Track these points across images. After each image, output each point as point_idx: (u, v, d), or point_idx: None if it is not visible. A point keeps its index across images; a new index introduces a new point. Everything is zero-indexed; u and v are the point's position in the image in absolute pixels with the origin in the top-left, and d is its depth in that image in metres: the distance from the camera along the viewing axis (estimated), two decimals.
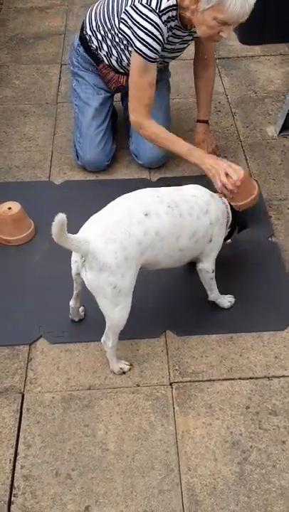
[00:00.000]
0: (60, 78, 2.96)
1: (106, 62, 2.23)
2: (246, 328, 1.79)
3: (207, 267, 1.73)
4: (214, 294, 1.81)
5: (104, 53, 2.20)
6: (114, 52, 2.16)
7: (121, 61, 2.17)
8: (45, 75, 3.01)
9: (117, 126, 2.50)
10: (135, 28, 1.92)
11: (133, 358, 1.72)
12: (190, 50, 3.24)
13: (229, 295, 1.85)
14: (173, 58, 2.24)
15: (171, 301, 1.88)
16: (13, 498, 1.42)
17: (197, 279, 1.94)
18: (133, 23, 1.92)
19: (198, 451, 1.50)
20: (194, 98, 2.83)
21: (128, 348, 1.74)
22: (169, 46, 2.06)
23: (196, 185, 1.73)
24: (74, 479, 1.45)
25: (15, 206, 2.05)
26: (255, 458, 1.48)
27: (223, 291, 1.85)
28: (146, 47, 1.94)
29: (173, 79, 2.94)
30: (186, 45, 2.18)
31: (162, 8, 1.88)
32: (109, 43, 2.15)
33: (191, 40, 2.14)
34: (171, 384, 1.65)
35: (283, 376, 1.66)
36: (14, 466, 1.48)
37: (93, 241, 1.47)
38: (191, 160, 1.97)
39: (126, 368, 1.68)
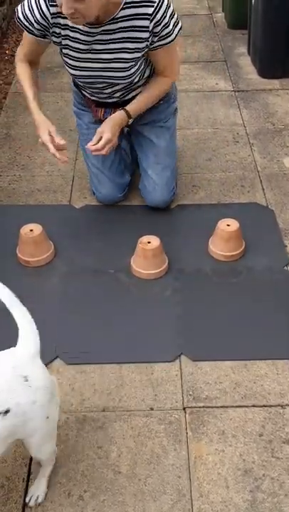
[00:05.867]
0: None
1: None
2: (260, 356, 1.80)
3: None
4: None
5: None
6: None
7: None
8: (69, 103, 3.08)
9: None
10: None
11: (147, 381, 1.73)
12: (204, 81, 3.30)
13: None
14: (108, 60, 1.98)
15: (187, 325, 1.90)
16: None
17: (214, 305, 1.97)
18: None
19: (210, 477, 1.50)
20: (213, 128, 2.91)
21: (143, 371, 1.76)
22: (65, 32, 1.95)
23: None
24: (86, 501, 1.46)
25: (36, 228, 2.10)
26: (268, 486, 1.48)
27: (238, 320, 1.86)
28: (21, 9, 1.95)
29: (192, 109, 3.03)
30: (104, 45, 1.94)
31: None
32: None
33: (95, 34, 1.92)
34: (184, 409, 1.66)
35: None
36: (27, 485, 1.49)
37: None
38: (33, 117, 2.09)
39: None
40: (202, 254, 2.16)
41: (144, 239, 2.05)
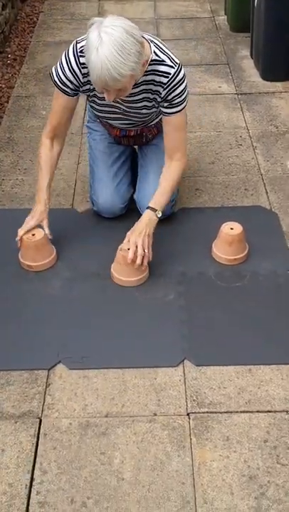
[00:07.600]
0: (85, 109, 3.05)
1: None
2: (265, 361, 1.78)
3: None
4: None
5: None
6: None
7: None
8: None
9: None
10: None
11: (151, 386, 1.72)
12: (207, 84, 3.28)
13: None
14: (135, 115, 2.10)
15: (190, 330, 1.89)
16: None
17: (218, 309, 1.96)
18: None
19: (214, 484, 1.49)
20: (216, 131, 2.90)
21: (146, 376, 1.75)
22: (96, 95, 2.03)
23: None
24: (89, 508, 1.44)
25: (39, 233, 2.09)
26: (273, 493, 1.46)
27: (242, 324, 1.85)
28: (56, 71, 2.01)
29: (195, 112, 3.02)
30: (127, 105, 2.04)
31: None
32: None
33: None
34: (188, 414, 1.65)
35: None
36: (30, 491, 1.48)
37: None
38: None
39: None
40: (205, 258, 2.15)
41: None
